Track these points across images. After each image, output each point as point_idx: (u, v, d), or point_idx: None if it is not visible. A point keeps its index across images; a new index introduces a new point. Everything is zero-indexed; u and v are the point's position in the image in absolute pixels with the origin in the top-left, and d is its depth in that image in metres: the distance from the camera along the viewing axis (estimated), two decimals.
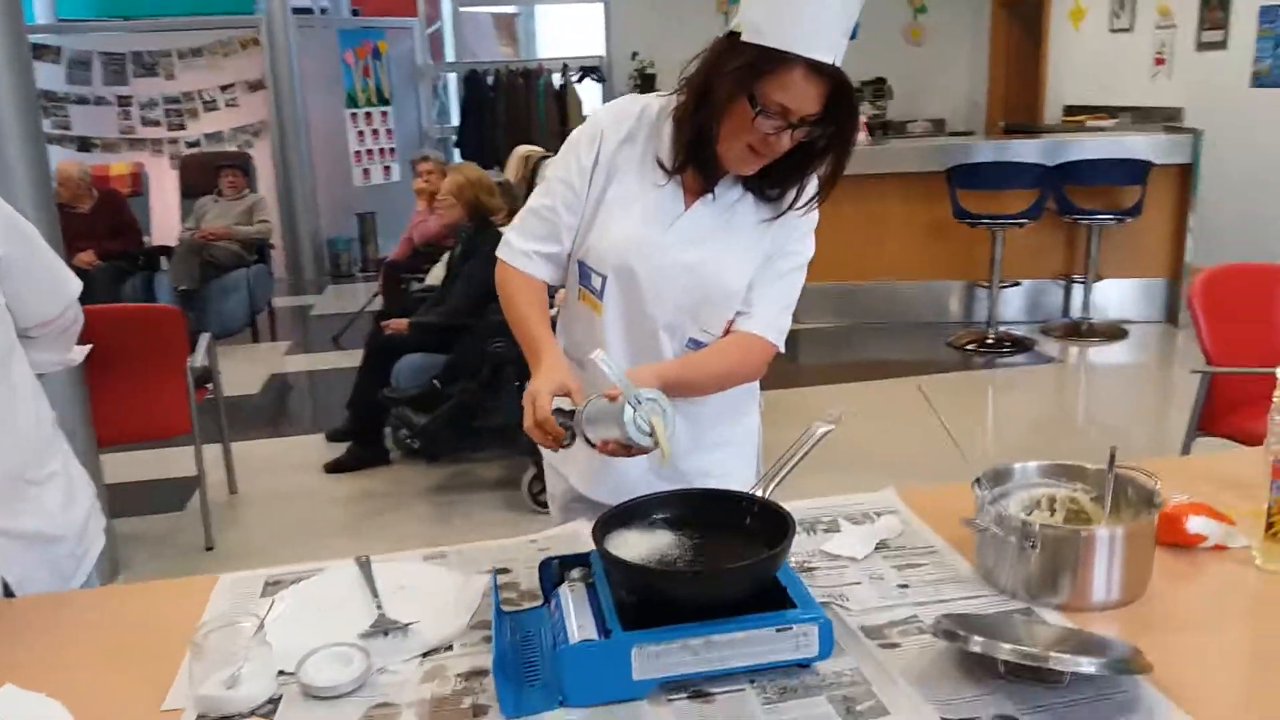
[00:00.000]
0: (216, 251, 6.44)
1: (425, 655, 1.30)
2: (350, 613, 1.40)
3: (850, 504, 1.72)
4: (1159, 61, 7.68)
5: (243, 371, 5.70)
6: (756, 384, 1.81)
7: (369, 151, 9.35)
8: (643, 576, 1.25)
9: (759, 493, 1.40)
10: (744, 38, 1.41)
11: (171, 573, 3.36)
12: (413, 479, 4.14)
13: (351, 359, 6.09)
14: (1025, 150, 5.96)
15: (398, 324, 4.29)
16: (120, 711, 1.20)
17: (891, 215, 6.23)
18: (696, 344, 1.63)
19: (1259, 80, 6.70)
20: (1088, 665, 1.11)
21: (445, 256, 4.99)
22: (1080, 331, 6.04)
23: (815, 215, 1.63)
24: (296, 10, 8.76)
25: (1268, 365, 2.89)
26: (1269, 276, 2.96)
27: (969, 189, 5.77)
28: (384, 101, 9.45)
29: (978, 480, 1.49)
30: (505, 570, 1.53)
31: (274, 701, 1.20)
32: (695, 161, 1.53)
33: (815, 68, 1.38)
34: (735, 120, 1.44)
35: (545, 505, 3.65)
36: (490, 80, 9.50)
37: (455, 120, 10.23)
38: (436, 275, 4.92)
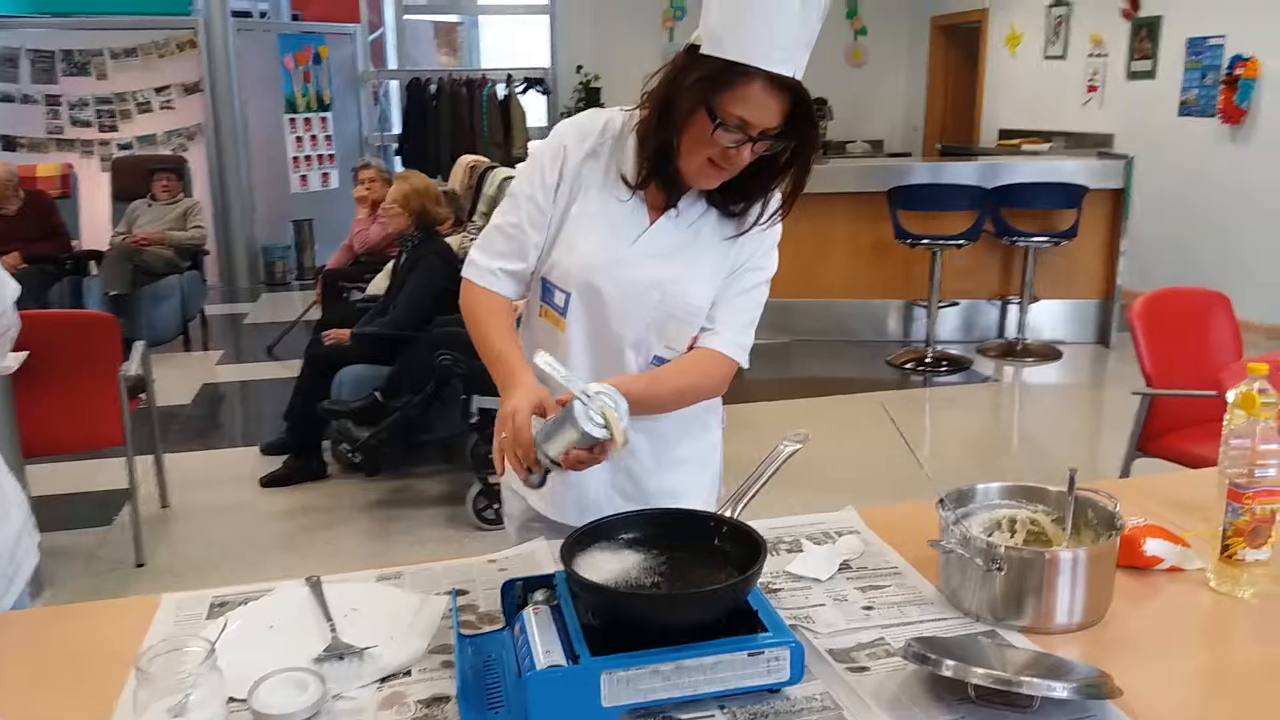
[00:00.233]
0: (149, 257, 6.27)
1: (383, 681, 1.25)
2: (302, 636, 1.35)
3: (810, 523, 1.71)
4: (1091, 89, 7.92)
5: (174, 381, 5.54)
6: (719, 400, 1.80)
7: (308, 158, 9.19)
8: (613, 600, 1.22)
9: (727, 513, 1.38)
10: (703, 50, 1.40)
11: (101, 590, 3.24)
12: (352, 494, 4.05)
13: (287, 369, 5.97)
14: (964, 172, 6.08)
15: (338, 334, 4.20)
16: None
17: (832, 234, 6.30)
18: (661, 361, 1.61)
19: (1186, 109, 6.95)
20: (1060, 690, 1.12)
21: (388, 266, 4.92)
22: (1015, 351, 6.16)
23: (779, 230, 1.62)
24: (235, 13, 8.58)
25: (1204, 387, 2.98)
26: (1206, 301, 3.04)
27: (909, 209, 5.86)
28: (324, 107, 9.30)
29: (941, 501, 1.49)
30: (463, 591, 1.49)
31: None
32: (658, 176, 1.52)
33: (775, 80, 1.37)
34: (695, 134, 1.42)
35: (491, 522, 3.65)
36: (433, 89, 9.41)
37: (396, 128, 10.11)
38: (379, 285, 4.84)
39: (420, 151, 9.34)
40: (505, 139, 9.43)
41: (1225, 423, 1.67)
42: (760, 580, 1.47)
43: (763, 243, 1.61)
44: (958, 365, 5.98)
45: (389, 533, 3.71)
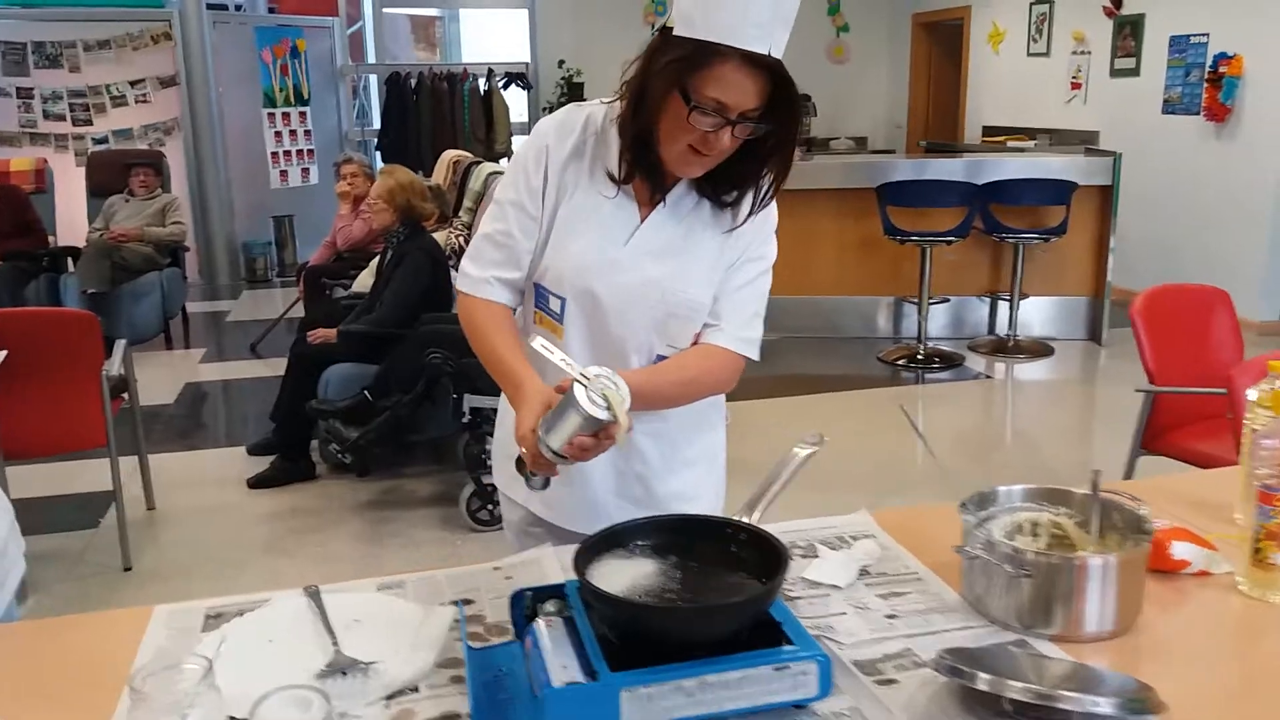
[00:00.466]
0: (127, 254, 6.15)
1: (390, 698, 1.19)
2: (302, 650, 1.28)
3: (824, 527, 1.67)
4: (1075, 86, 7.92)
5: (156, 380, 5.44)
6: (723, 397, 1.75)
7: (287, 153, 9.09)
8: (631, 612, 1.17)
9: (745, 519, 1.33)
10: (676, 31, 1.35)
11: (87, 595, 3.16)
12: (342, 495, 3.97)
13: (271, 368, 5.89)
14: (954, 169, 6.06)
15: (324, 333, 4.13)
16: None
17: (820, 230, 6.27)
18: (663, 359, 1.56)
19: (1169, 107, 6.96)
20: (1104, 706, 1.07)
21: (373, 262, 4.84)
22: (1006, 348, 6.15)
23: (774, 217, 1.57)
24: (210, 6, 8.45)
25: (1205, 383, 2.96)
26: (1207, 297, 3.02)
27: (899, 206, 5.84)
28: (302, 101, 9.20)
29: (963, 504, 1.44)
30: (469, 601, 1.43)
31: None
32: (641, 168, 1.46)
33: (751, 60, 1.31)
34: (672, 119, 1.37)
35: (485, 523, 3.59)
36: (413, 83, 9.31)
37: (376, 123, 10.01)
38: (364, 282, 4.76)
39: (400, 146, 9.25)
40: (487, 134, 9.34)
41: (1247, 422, 1.63)
42: None
43: (760, 231, 1.56)
44: (950, 362, 5.96)
45: (380, 535, 3.64)
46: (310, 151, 9.26)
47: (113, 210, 6.52)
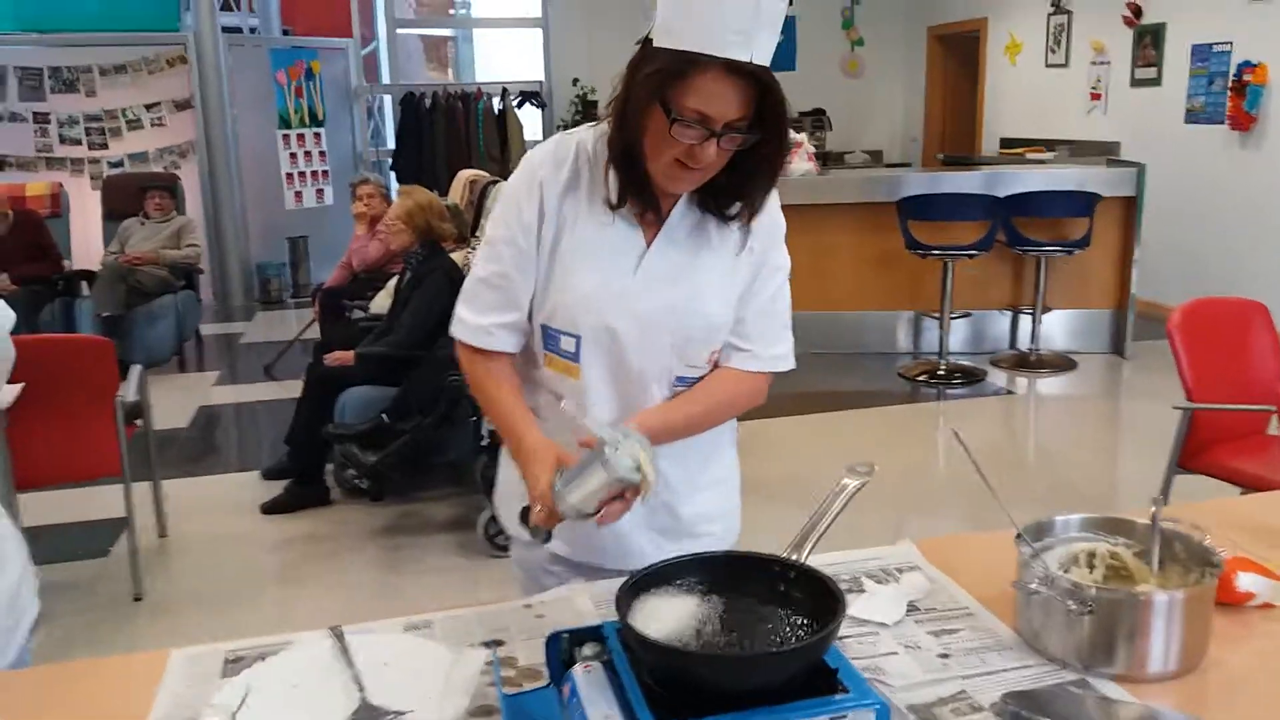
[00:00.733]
0: (142, 277, 6.15)
1: None
2: (328, 697, 1.22)
3: (868, 559, 1.60)
4: (1095, 97, 7.85)
5: (170, 404, 5.40)
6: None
7: (301, 174, 9.09)
8: (677, 660, 1.10)
9: (795, 556, 1.26)
10: (656, 42, 1.29)
11: (99, 626, 3.11)
12: (357, 520, 3.92)
13: (286, 390, 5.84)
14: (976, 182, 5.99)
15: (341, 355, 4.08)
16: None
17: (841, 245, 6.21)
18: (684, 381, 1.51)
19: (1192, 117, 6.88)
20: None
21: (390, 284, 4.81)
22: (1029, 363, 6.06)
23: (783, 222, 1.53)
24: (225, 29, 8.48)
25: (1245, 400, 2.88)
26: (1245, 310, 2.94)
27: (921, 220, 5.77)
28: (317, 123, 9.21)
29: (1019, 535, 1.37)
30: (499, 642, 1.37)
31: None
32: (633, 188, 1.40)
33: (732, 68, 1.25)
34: (655, 133, 1.32)
35: (503, 549, 3.52)
36: (428, 103, 9.32)
37: (390, 143, 10.01)
38: (381, 303, 4.73)
39: (415, 166, 9.25)
40: (501, 153, 9.34)
41: None
42: None
43: (772, 238, 1.52)
44: (971, 377, 5.87)
45: (397, 561, 3.58)
46: (325, 173, 9.27)
47: (128, 233, 6.51)
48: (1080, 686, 1.23)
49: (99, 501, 3.83)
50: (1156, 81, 7.19)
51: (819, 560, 1.52)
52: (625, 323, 1.44)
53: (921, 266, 6.07)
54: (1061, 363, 6.07)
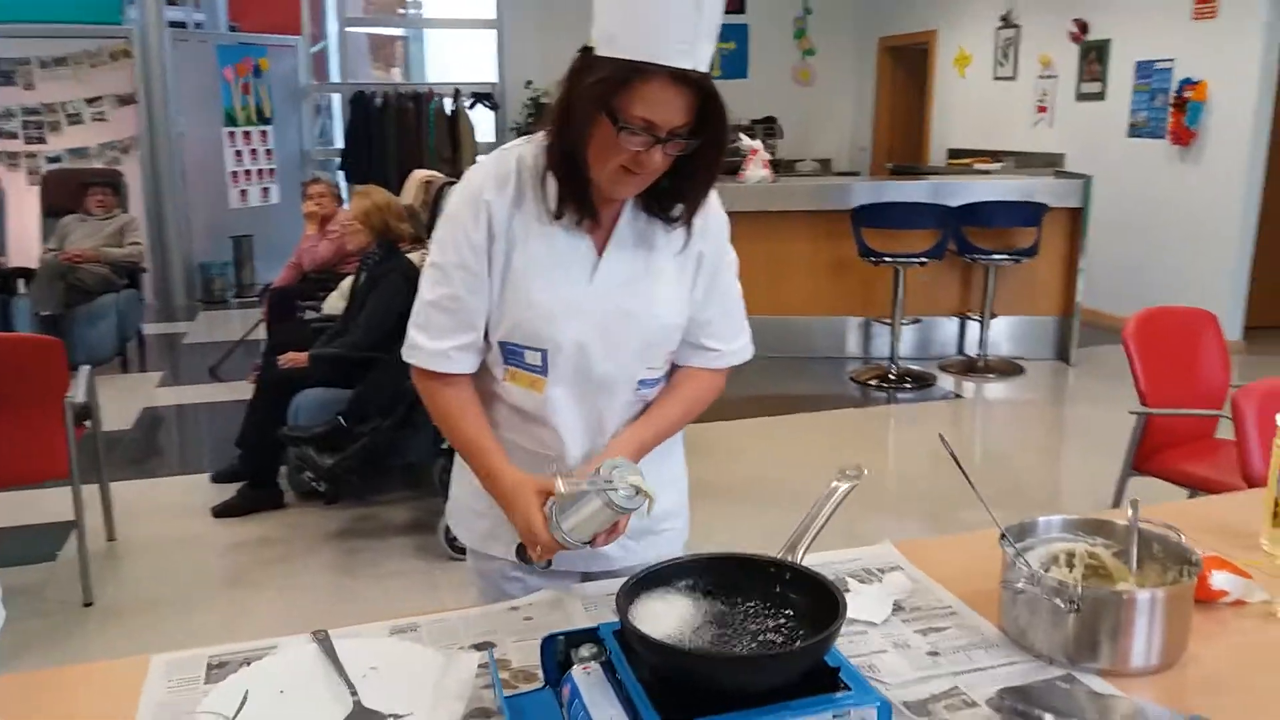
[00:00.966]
0: (84, 275, 5.97)
1: None
2: (319, 702, 1.20)
3: (849, 560, 1.61)
4: (1041, 110, 8.02)
5: (113, 405, 5.23)
6: None
7: (247, 172, 8.94)
8: (681, 660, 1.10)
9: (789, 558, 1.27)
10: (598, 52, 1.31)
11: (51, 633, 3.02)
12: (312, 524, 3.84)
13: (232, 392, 5.73)
14: (929, 191, 6.09)
15: (295, 357, 4.00)
16: None
17: (794, 251, 6.27)
18: (645, 383, 1.54)
19: (1135, 131, 7.07)
20: None
21: (343, 284, 4.74)
22: (977, 368, 6.17)
23: (726, 218, 1.57)
24: (170, 24, 8.30)
25: (1193, 405, 2.96)
26: (1196, 319, 3.03)
27: (874, 228, 5.84)
28: (264, 121, 9.06)
29: (1003, 535, 1.40)
30: (489, 645, 1.35)
31: None
32: (571, 195, 1.41)
33: (676, 76, 1.28)
34: (601, 140, 1.33)
35: (463, 552, 3.47)
36: (378, 102, 9.21)
37: (339, 142, 9.89)
38: (334, 304, 4.65)
39: (364, 166, 9.15)
40: (453, 154, 9.27)
41: (1276, 446, 1.61)
42: None
43: (720, 236, 1.55)
44: (921, 382, 5.96)
45: (354, 565, 3.52)
46: (271, 171, 9.12)
47: (67, 230, 6.33)
48: (1067, 681, 1.26)
49: (44, 505, 3.72)
50: (1101, 96, 7.37)
51: (805, 562, 1.55)
52: (588, 333, 1.45)
53: (873, 273, 6.15)
54: (1008, 368, 6.19)
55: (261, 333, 5.97)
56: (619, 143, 1.31)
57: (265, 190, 9.10)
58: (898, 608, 1.45)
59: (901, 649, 1.34)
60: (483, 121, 9.61)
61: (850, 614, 1.42)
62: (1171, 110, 6.62)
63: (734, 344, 1.60)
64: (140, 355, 6.65)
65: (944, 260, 6.02)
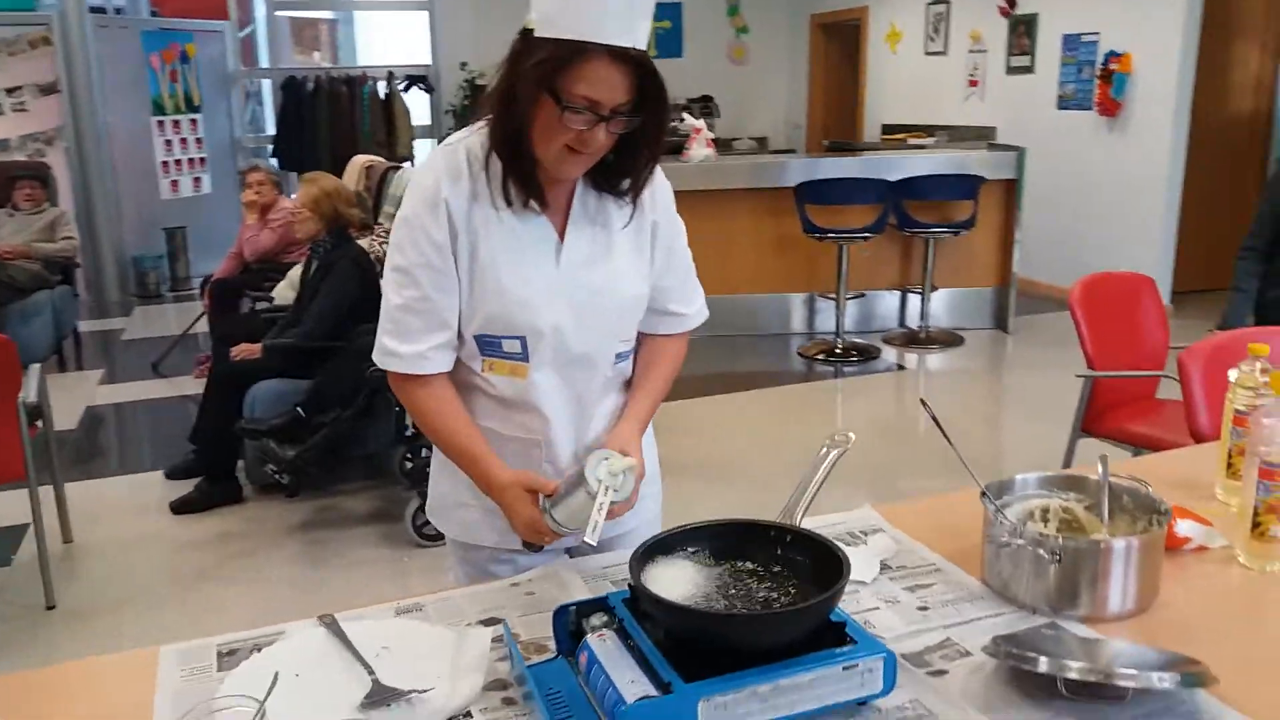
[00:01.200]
0: (14, 271, 5.80)
1: None
2: (336, 683, 1.22)
3: (834, 524, 1.67)
4: (972, 84, 8.18)
5: (55, 405, 5.07)
6: None
7: (178, 162, 8.72)
8: (699, 621, 1.14)
9: (789, 522, 1.32)
10: (538, 33, 1.34)
11: (13, 635, 2.97)
12: (273, 517, 3.81)
13: (175, 387, 5.63)
14: (870, 167, 6.19)
15: (248, 348, 3.96)
16: None
17: (738, 229, 6.33)
18: (621, 356, 1.59)
19: (1063, 103, 7.26)
20: (1167, 681, 1.09)
21: (291, 273, 4.68)
22: (919, 339, 6.32)
23: (669, 185, 1.60)
24: (90, 9, 8.04)
25: (1135, 367, 3.09)
26: (1136, 284, 3.15)
27: (818, 204, 5.93)
28: (193, 108, 8.85)
29: (983, 493, 1.46)
30: (495, 620, 1.38)
31: None
32: (517, 177, 1.43)
33: (616, 55, 1.32)
34: (544, 121, 1.36)
35: (431, 539, 3.49)
36: (310, 87, 9.06)
37: (270, 128, 9.70)
38: (283, 294, 4.59)
39: (298, 152, 9.00)
40: (389, 138, 9.16)
41: (1229, 401, 1.70)
42: None
43: (668, 204, 1.60)
44: (866, 355, 6.09)
45: (321, 556, 3.50)
46: (202, 160, 8.91)
47: None
48: (1052, 629, 1.33)
49: None
50: (1030, 69, 7.55)
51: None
52: (562, 314, 1.48)
53: (817, 249, 6.25)
54: (949, 339, 6.35)
55: (203, 326, 5.88)
56: (563, 122, 1.34)
57: (197, 180, 8.89)
58: (885, 567, 1.51)
59: (892, 605, 1.40)
60: (418, 104, 9.50)
61: None
62: (1098, 82, 6.82)
63: (692, 306, 1.67)
64: (77, 353, 6.49)
65: (885, 235, 6.14)
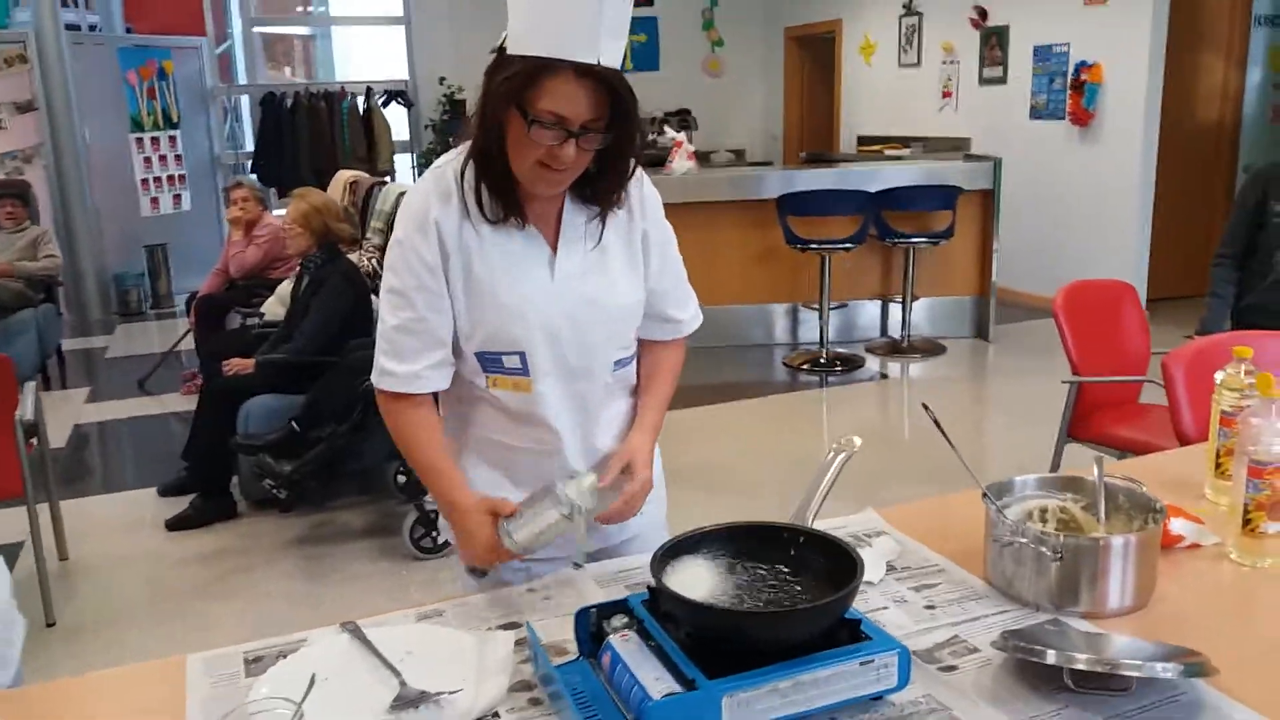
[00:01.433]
0: None
1: None
2: (363, 686, 1.26)
3: (837, 528, 1.71)
4: (946, 95, 8.30)
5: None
6: None
7: (157, 179, 8.70)
8: (722, 619, 1.18)
9: (801, 522, 1.36)
10: (510, 51, 1.38)
11: None
12: (269, 533, 3.82)
13: (162, 405, 5.62)
14: (850, 178, 6.26)
15: (241, 363, 3.97)
16: None
17: (722, 241, 6.39)
18: (620, 363, 1.62)
19: (1036, 113, 7.38)
20: (1170, 671, 1.14)
21: (280, 289, 4.69)
22: (901, 349, 6.40)
23: (657, 194, 1.64)
24: (65, 26, 8.02)
25: (1117, 372, 3.16)
26: (1117, 291, 3.23)
27: (800, 216, 6.00)
28: (172, 125, 8.82)
29: (985, 494, 1.51)
30: (516, 624, 1.42)
31: None
32: (496, 193, 1.47)
33: (582, 71, 1.35)
34: (515, 136, 1.40)
35: (429, 551, 3.51)
36: (289, 103, 9.06)
37: (249, 145, 9.69)
38: (273, 309, 4.60)
39: (277, 168, 9.00)
40: (369, 153, 9.17)
41: (1215, 402, 1.76)
42: None
43: (657, 212, 1.63)
44: (850, 364, 6.15)
45: (319, 571, 3.51)
46: (182, 177, 8.89)
47: None
48: (1055, 625, 1.37)
49: None
50: (1002, 80, 7.67)
51: None
52: (559, 326, 1.52)
53: (799, 260, 6.32)
54: (931, 348, 6.43)
55: (189, 343, 5.87)
56: (532, 138, 1.37)
57: (177, 197, 8.87)
58: (891, 568, 1.56)
59: (900, 604, 1.45)
60: (397, 119, 9.52)
61: None
62: (1070, 92, 6.94)
63: (688, 311, 1.71)
64: (61, 372, 6.46)
65: (866, 246, 6.21)
